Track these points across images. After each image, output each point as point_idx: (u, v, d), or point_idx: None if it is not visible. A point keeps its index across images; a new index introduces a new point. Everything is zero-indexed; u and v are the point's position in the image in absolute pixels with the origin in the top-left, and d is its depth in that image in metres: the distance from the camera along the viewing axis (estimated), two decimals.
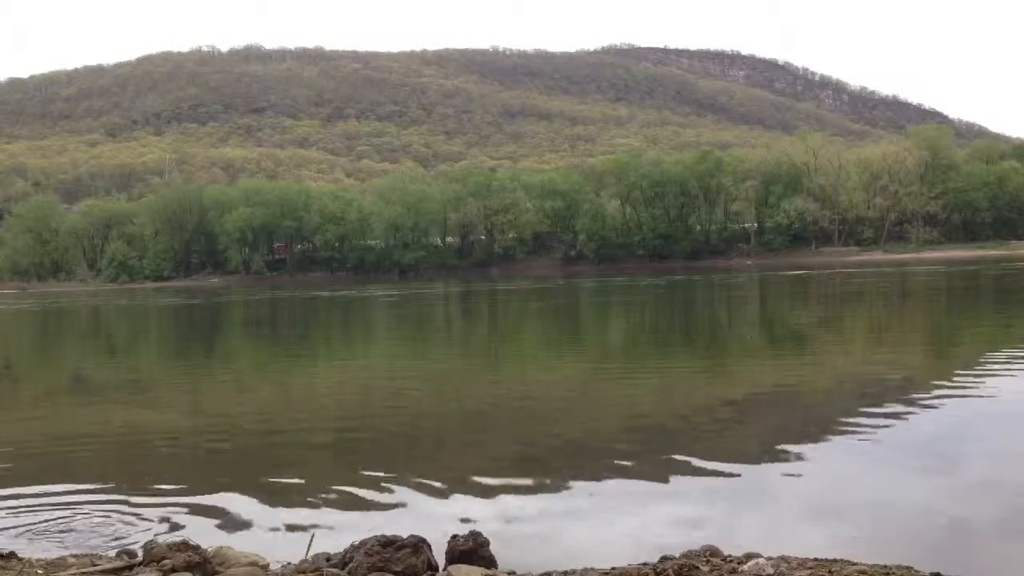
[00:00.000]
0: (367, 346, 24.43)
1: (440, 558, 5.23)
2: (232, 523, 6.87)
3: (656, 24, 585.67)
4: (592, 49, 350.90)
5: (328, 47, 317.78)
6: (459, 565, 5.12)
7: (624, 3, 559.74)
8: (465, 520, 6.51)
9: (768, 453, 8.41)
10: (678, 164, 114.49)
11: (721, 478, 7.64)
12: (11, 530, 6.82)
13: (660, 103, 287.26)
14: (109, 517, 7.09)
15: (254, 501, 7.46)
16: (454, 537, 5.36)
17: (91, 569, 5.29)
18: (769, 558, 5.03)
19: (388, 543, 5.06)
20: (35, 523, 6.99)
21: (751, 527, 6.23)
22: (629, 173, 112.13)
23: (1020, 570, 5.31)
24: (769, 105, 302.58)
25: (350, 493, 7.58)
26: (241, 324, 37.60)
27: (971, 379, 12.50)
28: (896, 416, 9.97)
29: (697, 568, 4.87)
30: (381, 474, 8.14)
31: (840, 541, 5.72)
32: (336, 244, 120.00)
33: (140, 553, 5.47)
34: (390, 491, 7.61)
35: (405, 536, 5.16)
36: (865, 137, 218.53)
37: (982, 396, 11.02)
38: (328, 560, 5.33)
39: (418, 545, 5.08)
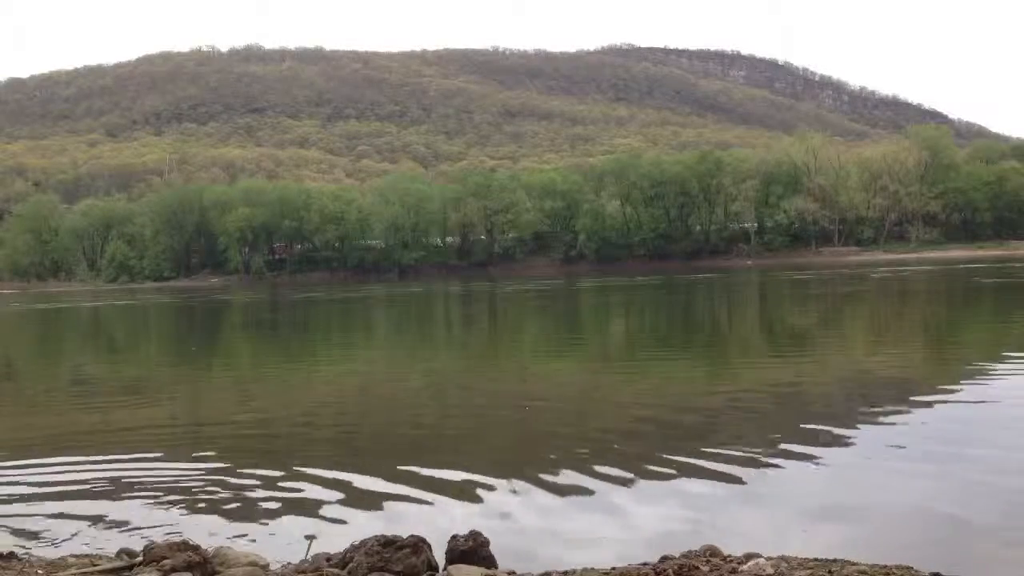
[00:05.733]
0: (367, 346, 24.43)
1: (440, 558, 5.23)
2: (232, 523, 6.87)
3: (656, 24, 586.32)
4: (592, 49, 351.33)
5: (328, 47, 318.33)
6: (459, 565, 5.12)
7: (624, 3, 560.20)
8: (465, 520, 6.50)
9: (768, 453, 8.40)
10: (678, 164, 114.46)
11: (721, 478, 7.64)
12: (10, 530, 6.81)
13: (660, 103, 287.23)
14: (107, 517, 7.09)
15: (254, 501, 7.46)
16: (454, 537, 5.36)
17: (91, 569, 5.29)
18: (769, 558, 5.03)
19: (388, 543, 5.06)
20: (34, 523, 6.99)
21: (751, 527, 6.23)
22: (629, 173, 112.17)
23: (1020, 570, 5.30)
24: (769, 105, 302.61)
25: (350, 493, 7.58)
26: (241, 325, 37.59)
27: (971, 379, 12.50)
28: (896, 416, 9.97)
29: (697, 568, 4.87)
30: (381, 474, 8.13)
31: (840, 541, 5.72)
32: (336, 244, 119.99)
33: (140, 553, 5.47)
34: (390, 491, 7.60)
35: (405, 536, 5.16)
36: (865, 137, 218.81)
37: (982, 396, 11.02)
38: (328, 560, 5.33)
39: (418, 545, 5.08)
